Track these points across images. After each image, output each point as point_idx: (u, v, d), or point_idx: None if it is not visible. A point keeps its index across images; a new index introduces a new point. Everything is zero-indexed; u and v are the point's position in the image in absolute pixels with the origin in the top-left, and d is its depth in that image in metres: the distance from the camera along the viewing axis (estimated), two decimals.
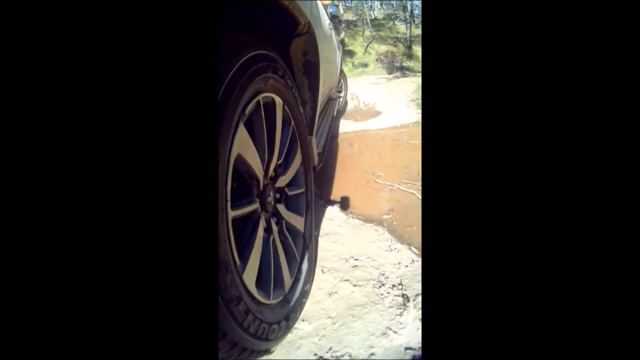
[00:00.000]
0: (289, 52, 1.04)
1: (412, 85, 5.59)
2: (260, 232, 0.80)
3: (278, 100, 0.93)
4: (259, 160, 0.79)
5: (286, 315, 0.89)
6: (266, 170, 0.87)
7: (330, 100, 2.82)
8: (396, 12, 13.14)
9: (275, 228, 0.94)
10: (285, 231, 1.03)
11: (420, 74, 7.25)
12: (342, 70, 4.12)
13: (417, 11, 12.92)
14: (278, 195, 0.99)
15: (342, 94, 4.29)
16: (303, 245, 1.14)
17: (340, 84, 4.13)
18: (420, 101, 4.24)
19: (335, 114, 3.12)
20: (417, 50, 9.47)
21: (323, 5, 1.49)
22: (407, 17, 10.82)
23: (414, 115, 4.12)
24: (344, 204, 1.87)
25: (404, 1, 10.87)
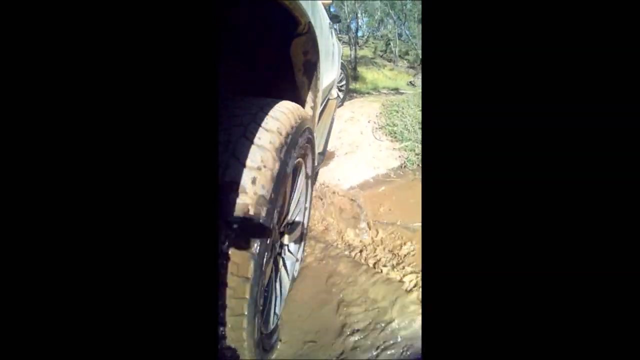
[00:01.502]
0: (290, 51, 1.06)
1: (374, 107, 4.37)
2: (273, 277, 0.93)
3: (302, 166, 1.06)
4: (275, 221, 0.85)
5: (275, 336, 0.99)
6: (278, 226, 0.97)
7: (330, 99, 2.86)
8: (339, 35, 12.65)
9: (280, 263, 1.04)
10: (287, 252, 1.14)
11: (374, 94, 6.70)
12: (343, 64, 4.19)
13: (361, 33, 12.99)
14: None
15: (343, 84, 4.48)
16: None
17: (341, 78, 4.32)
18: (394, 128, 3.39)
19: (335, 112, 3.14)
20: (362, 71, 9.50)
21: (323, 5, 1.51)
22: (351, 38, 10.77)
23: (392, 153, 2.89)
24: None
25: (348, 22, 10.81)
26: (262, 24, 0.96)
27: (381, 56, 12.02)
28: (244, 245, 0.60)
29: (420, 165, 2.59)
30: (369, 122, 3.81)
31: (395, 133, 3.32)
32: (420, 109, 4.07)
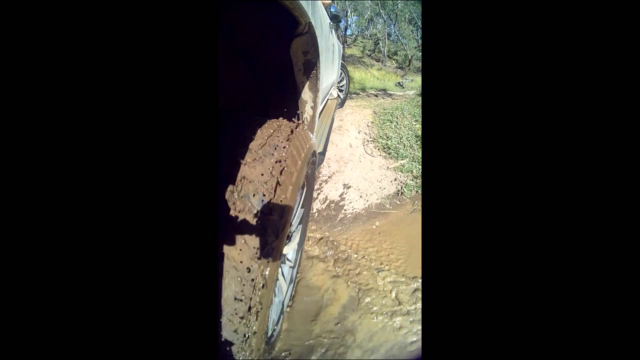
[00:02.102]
0: (290, 51, 1.03)
1: (365, 114, 3.97)
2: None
3: (305, 186, 1.14)
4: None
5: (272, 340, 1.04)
6: None
7: (330, 99, 2.79)
8: None
9: (279, 272, 1.06)
10: (287, 261, 1.19)
11: (361, 94, 6.37)
12: (343, 64, 4.11)
13: (350, 31, 13.20)
14: None
15: (343, 86, 4.39)
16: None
17: (341, 77, 4.27)
18: (387, 142, 3.08)
19: (335, 112, 3.05)
20: (350, 70, 9.13)
21: (323, 5, 1.45)
22: (339, 37, 10.65)
23: (386, 175, 2.53)
24: None
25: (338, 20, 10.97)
26: (262, 24, 0.95)
27: (369, 55, 12.18)
28: (261, 250, 0.66)
29: (420, 192, 2.29)
30: (359, 132, 3.46)
31: (389, 148, 3.02)
32: (416, 119, 3.84)
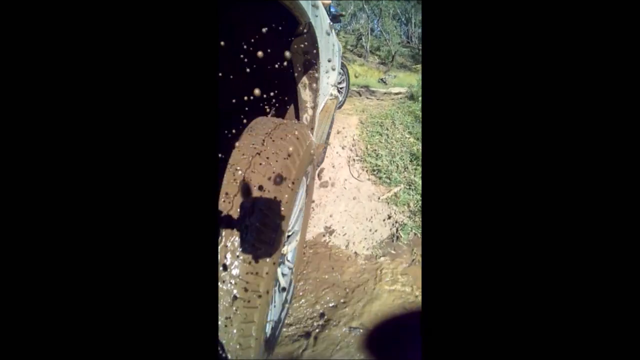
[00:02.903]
0: (290, 51, 1.04)
1: (350, 124, 3.55)
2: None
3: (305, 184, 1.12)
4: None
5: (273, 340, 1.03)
6: None
7: (330, 99, 2.67)
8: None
9: (279, 272, 1.03)
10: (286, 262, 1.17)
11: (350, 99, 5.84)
12: (342, 64, 4.01)
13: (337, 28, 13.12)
14: None
15: (343, 87, 4.32)
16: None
17: (341, 78, 4.18)
18: (377, 162, 2.71)
19: (335, 112, 2.97)
20: None
21: (323, 4, 1.43)
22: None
23: (377, 209, 2.16)
24: None
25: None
26: (262, 23, 0.94)
27: (351, 51, 12.08)
28: (261, 253, 0.66)
29: (420, 234, 1.87)
30: (343, 148, 2.98)
31: (379, 170, 2.59)
32: (409, 131, 3.43)
